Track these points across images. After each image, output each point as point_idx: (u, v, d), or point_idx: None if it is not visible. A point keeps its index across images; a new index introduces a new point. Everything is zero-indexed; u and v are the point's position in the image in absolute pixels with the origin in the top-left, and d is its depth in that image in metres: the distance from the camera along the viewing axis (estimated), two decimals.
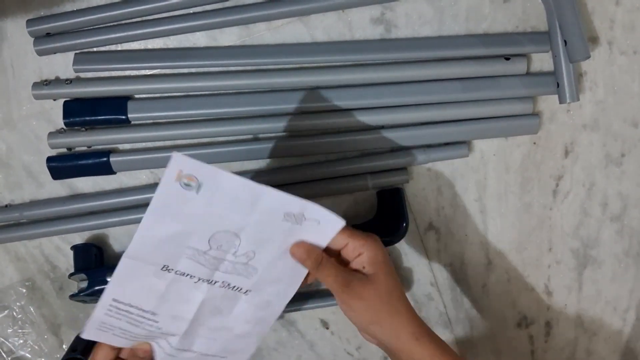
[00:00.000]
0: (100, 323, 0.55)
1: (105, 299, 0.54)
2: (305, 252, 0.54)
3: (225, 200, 0.50)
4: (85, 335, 0.56)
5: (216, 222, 0.52)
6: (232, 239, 0.53)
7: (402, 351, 0.56)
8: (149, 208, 0.50)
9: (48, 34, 0.70)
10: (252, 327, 0.60)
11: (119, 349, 0.58)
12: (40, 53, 0.70)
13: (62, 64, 0.71)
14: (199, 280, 0.55)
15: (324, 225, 0.54)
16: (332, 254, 0.56)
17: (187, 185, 0.49)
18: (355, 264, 0.56)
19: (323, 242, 0.55)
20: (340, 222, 0.53)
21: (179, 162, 0.47)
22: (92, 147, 0.73)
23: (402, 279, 0.78)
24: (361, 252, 0.55)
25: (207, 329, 0.59)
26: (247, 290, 0.57)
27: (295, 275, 0.57)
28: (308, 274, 0.58)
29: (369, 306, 0.55)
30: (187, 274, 0.54)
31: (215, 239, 0.53)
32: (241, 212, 0.51)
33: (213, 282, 0.56)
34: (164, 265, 0.53)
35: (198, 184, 0.49)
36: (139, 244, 0.51)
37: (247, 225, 0.52)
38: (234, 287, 0.57)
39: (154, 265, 0.53)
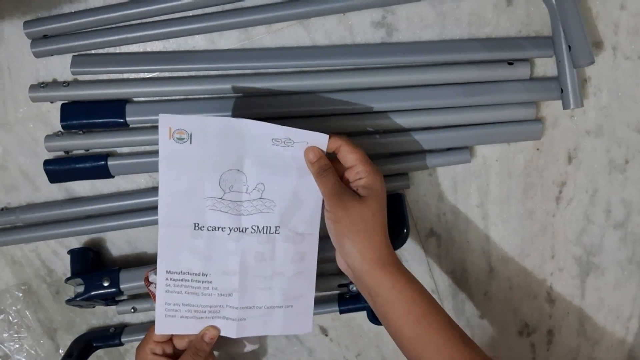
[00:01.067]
0: (165, 304, 0.61)
1: (160, 275, 0.61)
2: (315, 156, 0.59)
3: (216, 141, 0.58)
4: (158, 331, 0.62)
5: (218, 164, 0.59)
6: (238, 176, 0.60)
7: (366, 273, 0.58)
8: (159, 171, 0.58)
9: (45, 36, 0.69)
10: (300, 265, 0.64)
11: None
12: (38, 55, 0.69)
13: (59, 66, 0.71)
14: (230, 231, 0.61)
15: (312, 144, 0.60)
16: (338, 172, 0.61)
17: (180, 139, 0.57)
18: (352, 186, 0.60)
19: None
20: (324, 136, 0.59)
21: (167, 120, 0.56)
22: (90, 151, 0.72)
23: None
24: (361, 177, 0.59)
25: (261, 278, 0.63)
26: (276, 227, 0.62)
27: (312, 196, 0.62)
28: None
29: (350, 219, 0.57)
30: (218, 227, 0.61)
31: (224, 180, 0.60)
32: (234, 147, 0.59)
33: (243, 230, 0.61)
34: (195, 224, 0.60)
35: (188, 134, 0.57)
36: (165, 208, 0.59)
37: (244, 158, 0.59)
38: (263, 228, 0.62)
39: (186, 226, 0.60)
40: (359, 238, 0.58)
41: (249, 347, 0.69)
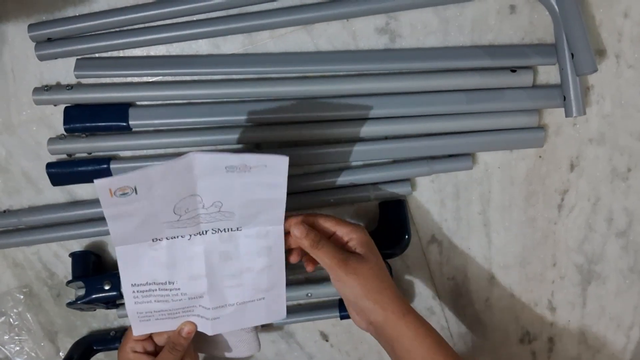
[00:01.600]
0: (137, 314, 0.61)
1: (125, 288, 0.59)
2: (302, 232, 0.59)
3: (164, 185, 0.54)
4: (136, 332, 0.62)
5: (169, 199, 0.55)
6: (192, 200, 0.56)
7: (389, 326, 0.59)
8: (108, 223, 0.55)
9: (50, 39, 0.69)
10: (268, 259, 0.62)
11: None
12: (42, 58, 0.70)
13: (63, 70, 0.71)
14: (190, 236, 0.59)
15: (271, 166, 0.56)
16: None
17: (124, 194, 0.53)
18: (348, 248, 0.61)
19: (282, 180, 0.57)
20: (284, 158, 0.56)
21: (105, 184, 0.52)
22: (93, 154, 0.72)
23: (403, 291, 0.78)
24: (352, 237, 0.61)
25: (229, 277, 0.62)
26: (238, 227, 0.60)
27: (274, 196, 0.59)
28: (291, 252, 0.63)
29: (362, 281, 0.59)
30: (178, 236, 0.59)
31: (178, 208, 0.56)
32: (184, 183, 0.55)
33: (204, 232, 0.59)
34: (153, 239, 0.58)
35: (132, 188, 0.53)
36: (119, 234, 0.56)
37: (197, 182, 0.55)
38: (225, 229, 0.60)
39: (144, 242, 0.58)
40: (377, 294, 0.59)
41: (248, 352, 0.69)
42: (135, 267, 0.59)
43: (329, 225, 0.61)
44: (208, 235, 0.60)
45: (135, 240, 0.58)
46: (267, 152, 0.57)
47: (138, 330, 0.62)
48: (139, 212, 0.55)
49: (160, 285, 0.60)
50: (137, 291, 0.60)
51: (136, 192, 0.53)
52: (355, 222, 0.62)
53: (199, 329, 0.63)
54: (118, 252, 0.58)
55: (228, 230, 0.60)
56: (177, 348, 0.63)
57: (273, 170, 0.57)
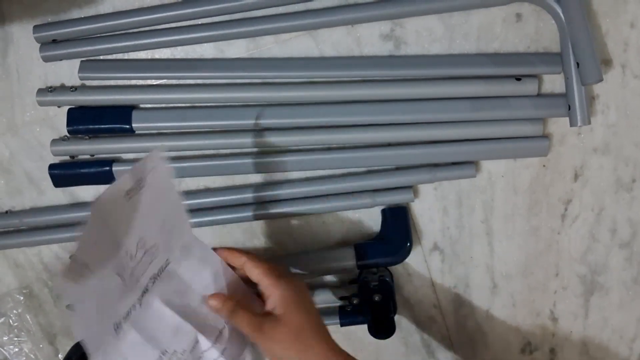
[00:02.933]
0: None
1: None
2: (219, 302, 0.58)
3: (94, 252, 0.49)
4: None
5: (105, 265, 0.50)
6: (118, 251, 0.51)
7: None
8: (74, 327, 0.49)
9: (54, 41, 0.69)
10: (220, 281, 0.60)
11: None
12: (46, 59, 0.70)
13: (67, 71, 0.71)
14: (140, 300, 0.55)
15: (153, 164, 0.51)
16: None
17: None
18: (268, 304, 0.58)
19: (167, 177, 0.54)
20: (155, 149, 0.52)
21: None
22: (95, 156, 0.73)
23: (404, 300, 0.77)
24: (272, 293, 0.57)
25: (199, 306, 0.59)
26: (166, 260, 0.57)
27: (174, 211, 0.56)
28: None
29: (281, 345, 0.56)
30: (130, 310, 0.54)
31: (117, 266, 0.51)
32: (106, 238, 0.50)
33: (146, 289, 0.56)
34: (114, 326, 0.52)
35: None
36: (85, 331, 0.49)
37: (116, 234, 0.51)
38: (157, 270, 0.56)
39: (108, 334, 0.52)
40: (298, 356, 0.56)
41: None
42: None
43: (255, 272, 0.58)
44: (150, 286, 0.56)
45: (100, 332, 0.51)
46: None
47: None
48: (91, 289, 0.48)
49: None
50: None
51: (73, 309, 0.48)
52: (280, 274, 0.59)
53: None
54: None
55: (161, 271, 0.57)
56: None
57: (157, 169, 0.52)
